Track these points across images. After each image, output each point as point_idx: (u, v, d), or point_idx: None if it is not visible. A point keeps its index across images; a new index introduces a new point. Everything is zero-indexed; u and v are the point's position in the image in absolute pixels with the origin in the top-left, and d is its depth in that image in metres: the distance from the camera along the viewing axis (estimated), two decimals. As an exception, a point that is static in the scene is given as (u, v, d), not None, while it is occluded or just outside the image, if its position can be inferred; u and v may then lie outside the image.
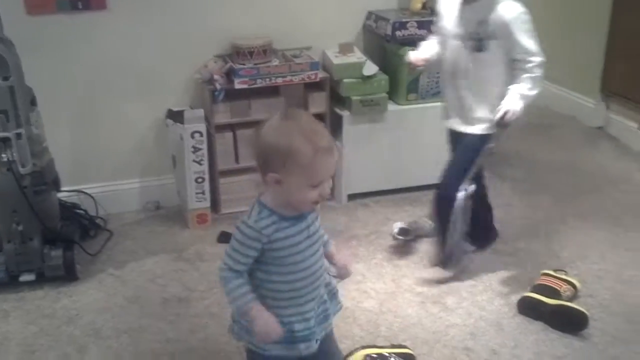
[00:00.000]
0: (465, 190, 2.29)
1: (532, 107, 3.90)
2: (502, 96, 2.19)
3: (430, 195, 3.01)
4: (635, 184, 3.11)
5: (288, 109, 1.50)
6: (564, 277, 2.30)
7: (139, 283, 2.45)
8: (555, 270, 2.35)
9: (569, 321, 2.13)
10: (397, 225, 2.71)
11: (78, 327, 2.21)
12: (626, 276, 2.41)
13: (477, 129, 2.29)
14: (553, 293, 2.21)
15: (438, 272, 2.46)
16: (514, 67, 2.18)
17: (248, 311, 1.44)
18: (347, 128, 2.88)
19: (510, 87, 2.19)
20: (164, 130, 2.87)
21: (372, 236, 2.73)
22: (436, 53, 2.33)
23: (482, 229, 2.48)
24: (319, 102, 2.86)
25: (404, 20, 2.75)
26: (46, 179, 2.38)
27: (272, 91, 2.81)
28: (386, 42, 2.87)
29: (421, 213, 2.82)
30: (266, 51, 2.73)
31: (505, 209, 2.91)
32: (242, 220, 1.45)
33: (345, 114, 2.87)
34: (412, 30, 2.75)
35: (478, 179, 2.37)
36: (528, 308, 2.20)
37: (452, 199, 2.28)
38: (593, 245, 2.61)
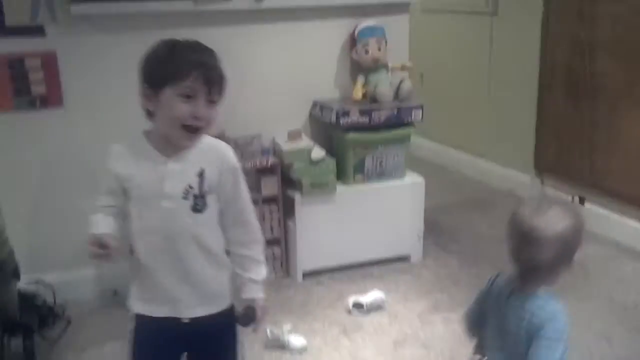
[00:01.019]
0: None
1: (468, 182, 4.16)
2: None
3: (381, 269, 3.19)
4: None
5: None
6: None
7: (99, 369, 2.48)
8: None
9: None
10: (351, 300, 2.83)
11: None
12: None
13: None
14: None
15: (392, 345, 2.57)
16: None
17: None
18: (299, 209, 3.03)
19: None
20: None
21: (328, 311, 2.84)
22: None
23: None
24: (271, 186, 3.02)
25: (347, 108, 2.98)
26: (7, 270, 2.44)
27: (227, 177, 2.96)
28: (332, 129, 3.09)
29: (372, 286, 2.95)
30: (219, 139, 2.89)
31: (453, 280, 3.08)
32: None
33: (297, 195, 3.03)
34: (354, 117, 2.98)
35: None
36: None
37: None
38: (534, 310, 2.77)
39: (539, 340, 1.44)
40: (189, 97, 1.45)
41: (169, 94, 1.45)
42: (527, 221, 1.46)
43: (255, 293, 1.64)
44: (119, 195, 1.55)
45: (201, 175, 1.52)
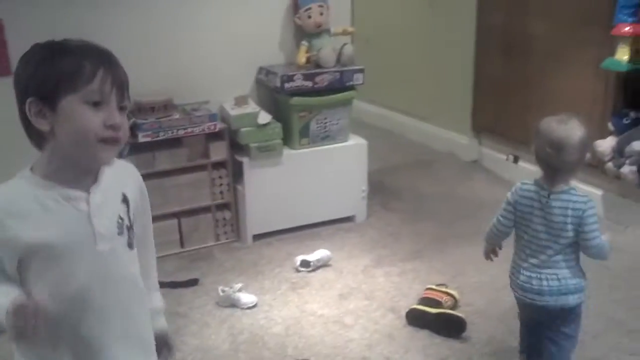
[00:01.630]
0: None
1: (412, 145, 4.31)
2: None
3: (328, 229, 3.32)
4: (505, 207, 3.53)
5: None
6: (444, 289, 2.63)
7: None
8: (437, 285, 2.67)
9: (450, 326, 2.44)
10: (299, 258, 2.96)
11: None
12: (499, 285, 2.74)
13: None
14: (436, 304, 2.52)
15: (338, 298, 2.72)
16: None
17: None
18: (248, 173, 3.12)
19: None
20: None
21: (277, 270, 2.97)
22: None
23: None
24: (220, 151, 3.10)
25: (290, 73, 3.07)
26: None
27: (175, 143, 3.02)
28: (277, 94, 3.17)
29: (319, 246, 3.09)
30: (167, 106, 2.95)
31: (395, 237, 3.24)
32: None
33: (245, 160, 3.11)
34: (298, 82, 3.07)
35: None
36: (415, 318, 2.50)
37: None
38: (470, 261, 2.95)
39: (588, 219, 1.89)
40: (97, 103, 1.13)
41: (70, 103, 1.12)
42: (557, 132, 1.88)
43: (163, 324, 1.43)
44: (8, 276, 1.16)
45: (125, 201, 1.25)
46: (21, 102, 1.14)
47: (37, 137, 1.16)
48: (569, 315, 1.99)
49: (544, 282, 1.95)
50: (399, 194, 3.75)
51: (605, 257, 1.97)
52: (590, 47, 3.24)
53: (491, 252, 2.15)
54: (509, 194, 2.05)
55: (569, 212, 1.89)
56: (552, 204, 1.92)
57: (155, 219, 2.94)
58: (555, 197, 1.91)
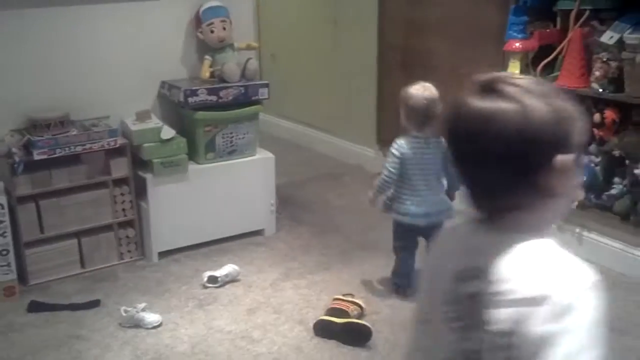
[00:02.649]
0: None
1: (321, 158, 4.35)
2: None
3: (237, 244, 3.30)
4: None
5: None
6: (351, 299, 2.66)
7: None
8: (344, 295, 2.70)
9: (356, 336, 2.47)
10: (206, 275, 2.92)
11: None
12: (403, 293, 2.84)
13: None
14: (343, 314, 2.55)
15: (246, 313, 2.70)
16: None
17: None
18: (152, 189, 3.05)
19: None
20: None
21: (184, 287, 2.91)
22: None
23: None
24: (121, 167, 3.01)
25: (194, 88, 3.03)
26: None
27: (73, 160, 2.92)
28: (181, 108, 3.13)
29: (228, 261, 3.06)
30: (63, 122, 2.85)
31: (304, 249, 3.26)
32: None
33: (148, 176, 3.04)
34: (203, 96, 3.04)
35: None
36: (322, 329, 2.51)
37: None
38: (376, 271, 3.01)
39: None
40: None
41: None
42: (425, 94, 2.59)
43: None
44: None
45: None
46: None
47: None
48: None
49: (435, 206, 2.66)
50: (308, 206, 3.78)
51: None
52: (485, 63, 3.39)
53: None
54: (394, 151, 2.67)
55: (441, 150, 2.61)
56: (432, 146, 2.63)
57: (54, 239, 2.91)
58: (431, 141, 2.64)
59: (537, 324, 0.91)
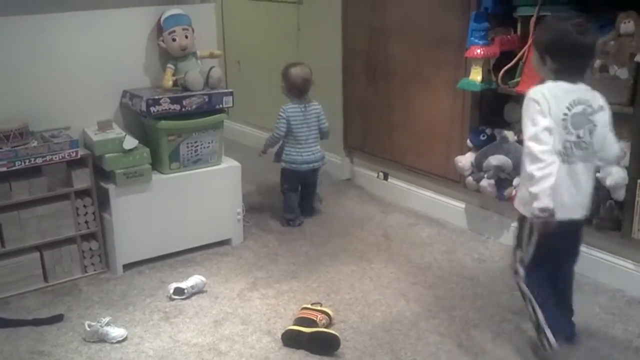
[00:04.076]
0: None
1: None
2: None
3: (203, 254, 3.26)
4: (376, 224, 3.64)
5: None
6: (319, 308, 2.65)
7: None
8: (312, 304, 2.69)
9: (324, 345, 2.45)
10: (172, 286, 2.88)
11: None
12: (371, 300, 2.84)
13: None
14: (311, 323, 2.53)
15: (213, 324, 2.67)
16: None
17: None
18: (115, 200, 3.00)
19: None
20: None
21: (149, 300, 2.86)
22: None
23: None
24: (83, 178, 2.95)
25: (157, 97, 2.99)
26: None
27: (34, 171, 2.85)
28: (143, 118, 3.09)
29: (194, 272, 3.02)
30: (23, 134, 2.78)
31: (271, 258, 3.24)
32: None
33: (111, 187, 2.99)
34: (165, 105, 3.00)
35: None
36: (290, 339, 2.50)
37: None
38: (343, 278, 3.01)
39: (322, 115, 3.63)
40: None
41: None
42: (304, 71, 3.56)
43: None
44: None
45: None
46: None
47: None
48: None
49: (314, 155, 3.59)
50: (275, 214, 3.76)
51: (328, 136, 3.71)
52: (447, 69, 3.43)
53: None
54: (282, 114, 3.52)
55: (316, 113, 3.56)
56: (309, 110, 3.53)
57: (14, 253, 2.84)
58: (309, 106, 3.55)
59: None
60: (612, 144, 2.27)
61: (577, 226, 2.34)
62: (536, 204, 2.10)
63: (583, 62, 2.22)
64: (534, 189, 2.11)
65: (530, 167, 2.12)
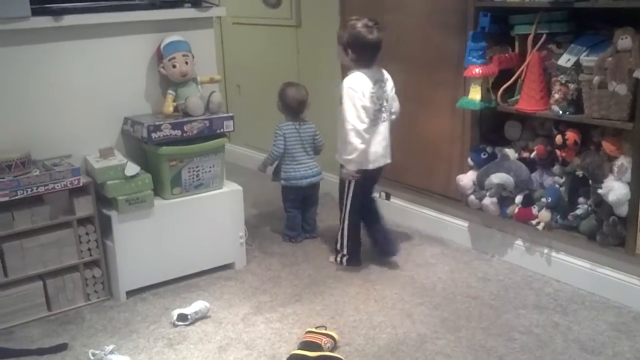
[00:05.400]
0: None
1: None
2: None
3: (206, 279, 3.25)
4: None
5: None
6: (324, 331, 2.63)
7: None
8: (316, 327, 2.67)
9: (330, 369, 2.44)
10: (175, 313, 2.86)
11: None
12: (376, 322, 2.82)
13: None
14: (315, 347, 2.52)
15: (217, 350, 2.65)
16: None
17: None
18: (117, 227, 3.00)
19: None
20: None
21: (152, 327, 2.85)
22: None
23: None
24: (85, 206, 2.95)
25: (158, 123, 3.01)
26: None
27: (36, 200, 2.86)
28: (144, 144, 3.10)
29: (198, 297, 3.01)
30: (25, 163, 2.79)
31: (275, 281, 3.22)
32: None
33: (113, 214, 2.99)
34: (166, 131, 3.01)
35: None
36: (295, 364, 2.48)
37: None
38: (348, 300, 3.00)
39: (318, 135, 3.80)
40: None
41: None
42: (300, 93, 3.72)
43: None
44: None
45: None
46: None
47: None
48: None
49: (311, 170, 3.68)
50: (278, 237, 3.75)
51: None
52: (446, 88, 3.44)
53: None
54: (279, 132, 3.61)
55: (311, 132, 3.67)
56: (304, 129, 3.64)
57: (17, 282, 2.84)
58: (303, 125, 3.66)
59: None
60: (396, 102, 3.24)
61: (381, 170, 3.29)
62: (352, 167, 3.13)
63: (373, 53, 3.07)
64: (353, 157, 3.08)
65: (354, 140, 3.05)
